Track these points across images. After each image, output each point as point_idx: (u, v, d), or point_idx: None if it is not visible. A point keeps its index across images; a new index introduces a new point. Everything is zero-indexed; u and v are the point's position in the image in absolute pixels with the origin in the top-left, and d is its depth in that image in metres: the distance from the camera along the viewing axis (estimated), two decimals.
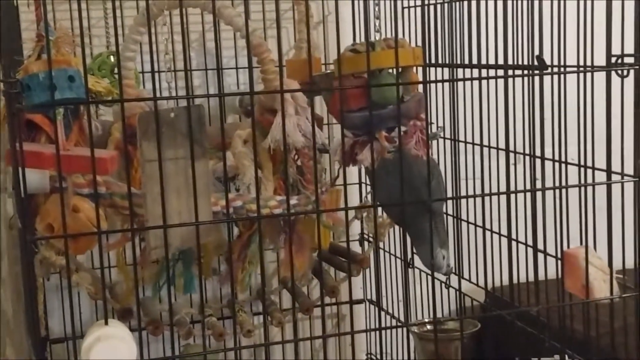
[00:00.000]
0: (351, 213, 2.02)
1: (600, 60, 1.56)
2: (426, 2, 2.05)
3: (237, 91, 2.17)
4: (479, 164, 1.76)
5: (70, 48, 1.64)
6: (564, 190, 1.66)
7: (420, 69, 1.68)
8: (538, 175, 1.63)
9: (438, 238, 1.69)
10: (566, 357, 1.67)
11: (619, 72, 1.51)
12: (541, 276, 1.66)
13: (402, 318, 2.19)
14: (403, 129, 1.57)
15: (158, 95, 1.82)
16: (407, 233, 1.73)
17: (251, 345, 1.65)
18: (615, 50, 1.53)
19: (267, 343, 1.41)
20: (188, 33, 2.05)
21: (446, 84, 2.02)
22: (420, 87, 1.66)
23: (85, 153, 1.41)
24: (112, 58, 1.95)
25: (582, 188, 1.61)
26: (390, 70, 1.59)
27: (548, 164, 1.64)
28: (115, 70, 1.94)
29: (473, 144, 1.90)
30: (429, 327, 1.99)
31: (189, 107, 1.37)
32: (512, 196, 1.58)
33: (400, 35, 1.59)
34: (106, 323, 1.34)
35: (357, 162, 1.63)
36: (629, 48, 1.53)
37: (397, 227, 1.93)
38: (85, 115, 1.63)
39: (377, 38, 1.60)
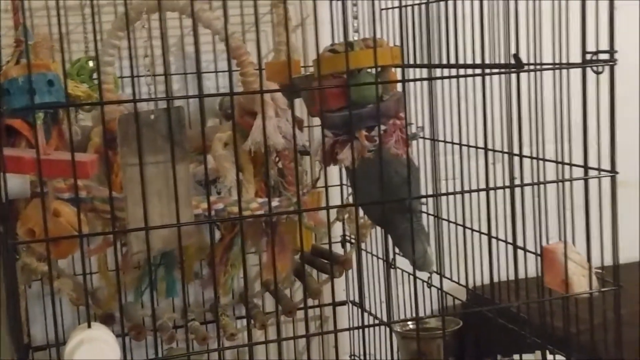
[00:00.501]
0: (333, 214, 2.03)
1: (575, 57, 1.58)
2: (404, 4, 2.07)
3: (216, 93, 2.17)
4: (459, 163, 1.78)
5: (48, 53, 1.64)
6: (542, 188, 1.67)
7: (399, 69, 1.69)
8: (517, 174, 1.64)
9: (424, 236, 1.70)
10: (547, 352, 1.68)
11: (594, 68, 1.53)
12: (521, 275, 1.67)
13: (385, 319, 2.19)
14: (383, 127, 1.58)
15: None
16: (390, 236, 1.73)
17: (234, 346, 1.65)
18: (590, 47, 1.55)
19: (250, 343, 1.41)
20: (167, 37, 2.06)
21: (425, 84, 2.03)
22: (399, 86, 1.67)
23: (66, 157, 1.41)
24: (90, 63, 1.95)
25: (560, 184, 1.62)
26: (369, 70, 1.60)
27: (526, 162, 1.65)
28: (94, 75, 1.94)
29: (452, 143, 1.91)
30: (411, 325, 1.99)
31: (168, 109, 1.37)
32: (492, 194, 1.60)
33: (378, 36, 1.60)
34: (89, 326, 1.34)
35: (337, 161, 1.64)
36: (604, 45, 1.54)
37: (378, 228, 1.94)
38: (65, 121, 1.63)
39: (356, 38, 1.61)
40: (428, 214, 1.91)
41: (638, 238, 2.74)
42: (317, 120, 2.22)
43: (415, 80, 1.62)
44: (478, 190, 1.53)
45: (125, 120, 1.36)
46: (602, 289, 1.60)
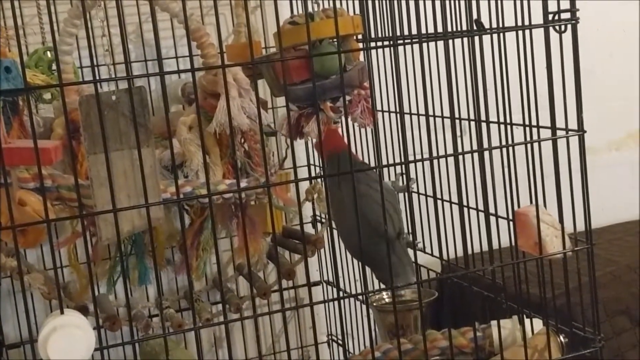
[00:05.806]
0: (302, 195, 2.02)
1: (538, 19, 1.58)
2: None
3: (178, 80, 2.15)
4: (426, 134, 1.76)
5: (4, 42, 1.61)
6: (511, 153, 1.66)
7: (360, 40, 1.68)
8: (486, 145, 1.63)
9: (409, 266, 1.70)
10: (524, 317, 1.68)
11: (557, 28, 1.53)
12: (495, 245, 1.66)
13: (360, 298, 2.19)
14: (347, 98, 1.57)
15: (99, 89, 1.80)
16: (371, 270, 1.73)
17: (210, 324, 1.64)
18: (552, 7, 1.55)
19: (226, 321, 1.40)
20: (125, 24, 2.04)
21: (388, 57, 2.01)
22: (362, 56, 1.65)
23: (28, 144, 1.38)
24: (48, 54, 1.92)
25: (529, 148, 1.62)
26: (331, 40, 1.58)
27: (494, 129, 1.64)
28: (53, 66, 1.91)
29: (418, 115, 1.90)
30: (387, 299, 1.99)
31: (130, 89, 1.35)
32: (461, 166, 1.59)
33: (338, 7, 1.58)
34: (62, 312, 1.31)
35: (304, 135, 1.63)
36: (565, 4, 1.55)
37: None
38: (25, 111, 1.60)
39: (316, 9, 1.59)
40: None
41: (606, 204, 2.77)
42: (281, 101, 2.21)
43: (377, 47, 1.61)
44: (446, 156, 1.52)
45: (86, 102, 1.33)
46: (576, 248, 1.60)
